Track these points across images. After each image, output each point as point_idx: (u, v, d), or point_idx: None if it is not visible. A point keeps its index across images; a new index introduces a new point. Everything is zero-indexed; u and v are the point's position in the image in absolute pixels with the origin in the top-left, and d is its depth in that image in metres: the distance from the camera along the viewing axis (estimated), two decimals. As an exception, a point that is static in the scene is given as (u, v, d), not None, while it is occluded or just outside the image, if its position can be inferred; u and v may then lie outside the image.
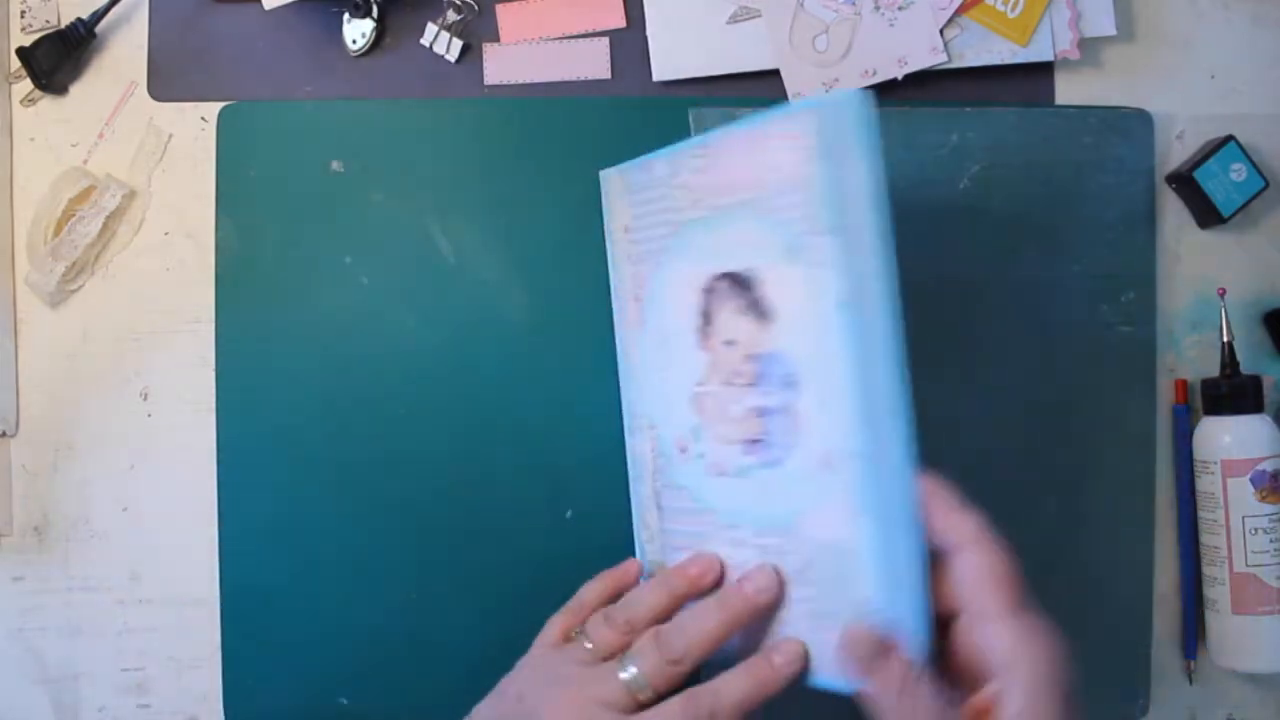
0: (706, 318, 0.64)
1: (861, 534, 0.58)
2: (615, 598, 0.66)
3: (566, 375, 0.74)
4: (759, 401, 0.62)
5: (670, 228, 0.66)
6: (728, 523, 0.64)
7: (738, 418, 0.63)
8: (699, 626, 0.61)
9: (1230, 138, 0.77)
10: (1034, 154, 0.78)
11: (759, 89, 0.76)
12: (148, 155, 0.74)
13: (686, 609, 0.63)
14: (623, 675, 0.60)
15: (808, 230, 0.58)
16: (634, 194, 0.69)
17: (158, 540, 0.73)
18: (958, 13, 0.75)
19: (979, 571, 0.57)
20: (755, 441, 0.62)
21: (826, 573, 0.59)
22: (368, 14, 0.74)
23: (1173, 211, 0.80)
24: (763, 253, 0.61)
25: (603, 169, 0.72)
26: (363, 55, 0.75)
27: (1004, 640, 0.55)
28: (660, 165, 0.67)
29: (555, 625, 0.66)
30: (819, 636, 0.59)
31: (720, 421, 0.64)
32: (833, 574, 0.59)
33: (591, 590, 0.68)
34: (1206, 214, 0.78)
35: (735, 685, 0.59)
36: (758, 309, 0.62)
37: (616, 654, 0.62)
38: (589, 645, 0.63)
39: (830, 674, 0.59)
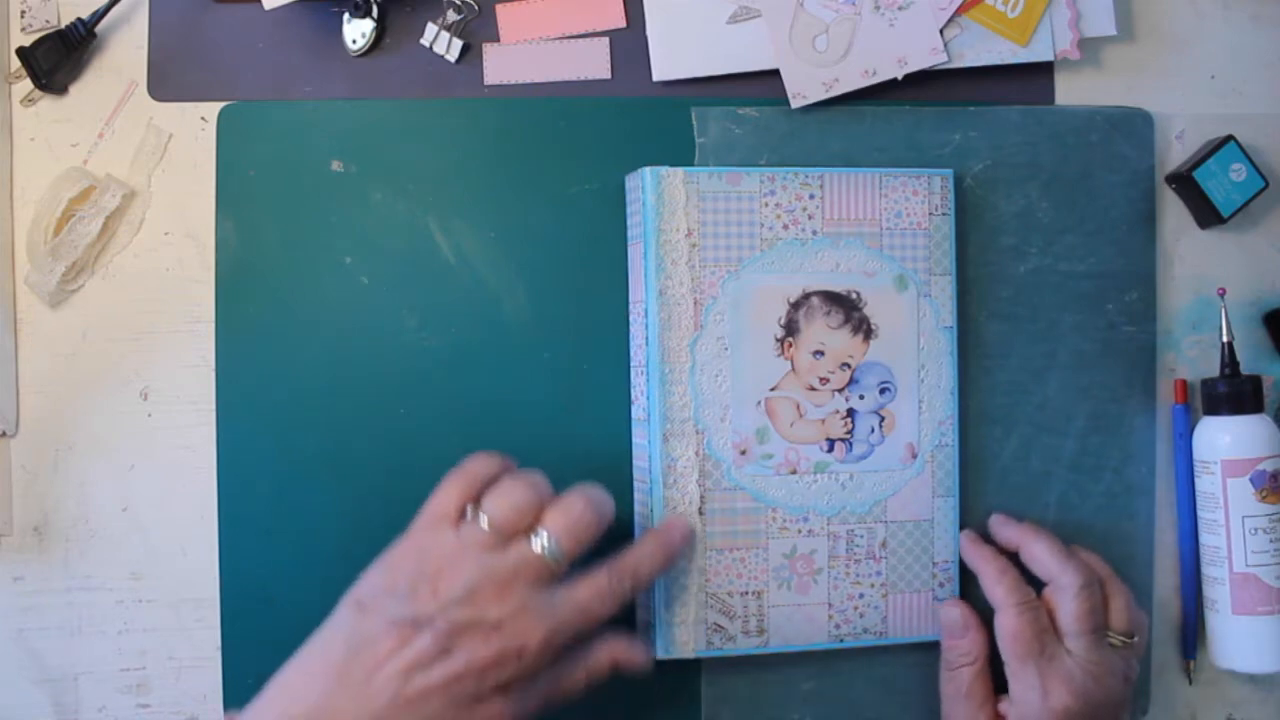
0: (791, 328, 0.72)
1: (939, 511, 0.74)
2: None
3: (567, 375, 0.74)
4: (850, 405, 0.73)
5: (755, 240, 0.72)
6: (797, 516, 0.72)
7: (823, 419, 0.73)
8: (593, 494, 0.66)
9: (1230, 138, 0.77)
10: (1035, 154, 0.78)
11: (759, 89, 0.76)
12: (148, 155, 0.74)
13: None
14: (539, 549, 0.63)
15: (926, 269, 0.74)
16: (706, 201, 0.71)
17: (158, 540, 0.73)
18: (958, 13, 0.75)
19: (1001, 630, 0.72)
20: (840, 440, 0.73)
21: (903, 545, 0.74)
22: (368, 14, 0.74)
23: (1173, 211, 0.80)
24: (870, 279, 0.73)
25: (635, 169, 0.72)
26: (363, 55, 0.75)
27: (1014, 686, 0.71)
28: (750, 179, 0.71)
29: (451, 496, 0.66)
30: (894, 599, 0.74)
31: (797, 423, 0.72)
32: (909, 545, 0.74)
33: (482, 463, 0.67)
34: (1206, 214, 0.78)
35: (648, 554, 0.68)
36: (858, 325, 0.73)
37: (515, 534, 0.64)
38: (487, 526, 0.64)
39: (902, 631, 0.74)
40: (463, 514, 0.65)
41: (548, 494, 0.66)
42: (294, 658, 0.63)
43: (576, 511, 0.65)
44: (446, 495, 0.66)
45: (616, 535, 0.74)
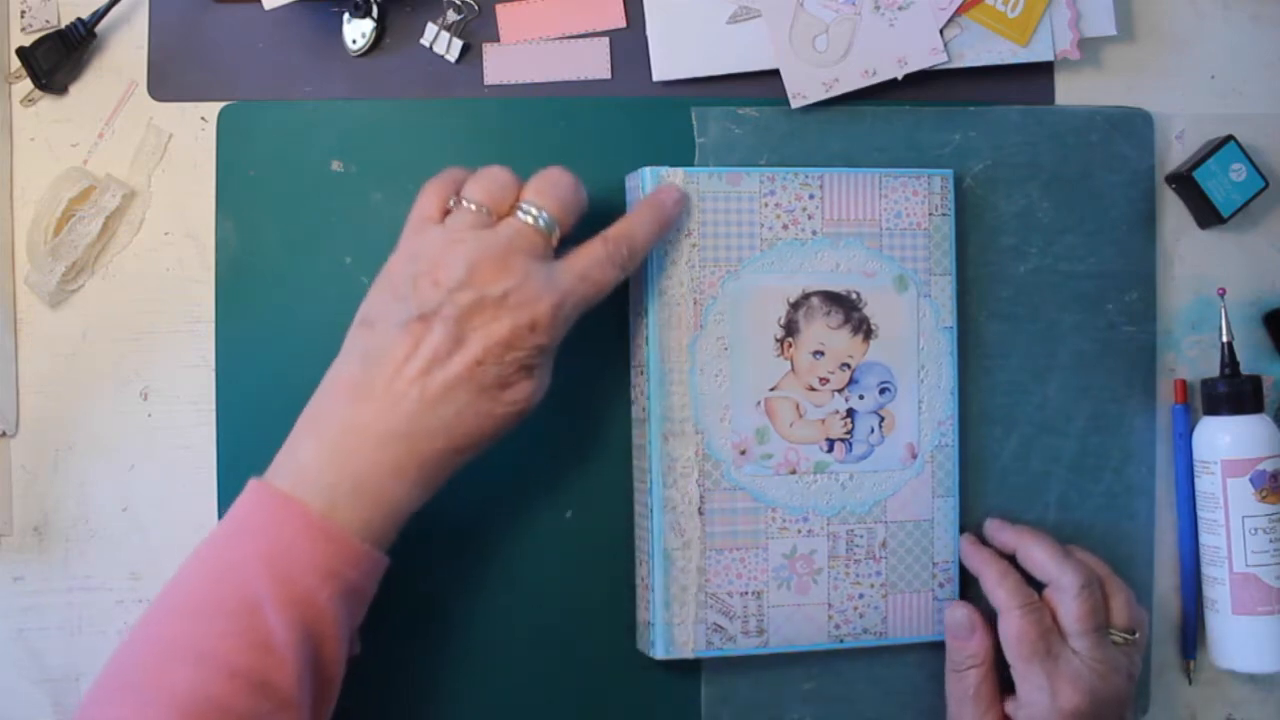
0: (790, 328, 0.72)
1: (939, 511, 0.74)
2: None
3: (567, 374, 0.74)
4: (850, 405, 0.73)
5: (755, 240, 0.72)
6: (796, 516, 0.72)
7: (823, 419, 0.73)
8: (563, 170, 0.66)
9: (1230, 138, 0.77)
10: (1035, 154, 0.78)
11: (759, 89, 0.76)
12: (148, 155, 0.74)
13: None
14: (529, 220, 0.63)
15: (926, 269, 0.73)
16: (706, 201, 0.71)
17: (158, 540, 0.73)
18: (958, 13, 0.75)
19: (1005, 633, 0.71)
20: (839, 440, 0.73)
21: (903, 545, 0.74)
22: (368, 14, 0.74)
23: (1173, 211, 0.80)
24: (870, 279, 0.73)
25: (635, 169, 0.72)
26: (363, 55, 0.75)
27: (1021, 687, 0.70)
28: (750, 179, 0.71)
29: (431, 198, 0.65)
30: (894, 599, 0.73)
31: (797, 424, 0.72)
32: (909, 546, 0.74)
33: (453, 168, 0.67)
34: (1206, 214, 0.78)
35: (642, 219, 0.67)
36: (858, 325, 0.73)
37: (503, 214, 0.64)
38: (473, 208, 0.63)
39: (902, 632, 0.74)
40: (446, 210, 0.64)
41: (521, 178, 0.65)
42: (316, 391, 0.63)
43: (559, 180, 0.65)
44: (426, 198, 0.65)
45: (616, 533, 0.74)
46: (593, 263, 0.64)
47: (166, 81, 0.74)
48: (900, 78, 0.75)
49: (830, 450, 0.73)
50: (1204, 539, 0.77)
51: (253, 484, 0.61)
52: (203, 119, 0.74)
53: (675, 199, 0.70)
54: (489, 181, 0.65)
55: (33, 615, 0.73)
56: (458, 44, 0.74)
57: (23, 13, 0.74)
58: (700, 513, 0.71)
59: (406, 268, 0.63)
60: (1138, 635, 0.72)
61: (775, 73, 0.75)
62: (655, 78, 0.75)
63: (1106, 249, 0.78)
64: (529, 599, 0.74)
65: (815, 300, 0.72)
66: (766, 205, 0.72)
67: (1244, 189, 0.77)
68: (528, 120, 0.75)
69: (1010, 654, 0.71)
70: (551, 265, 0.63)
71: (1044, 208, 0.78)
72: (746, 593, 0.72)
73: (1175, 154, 0.80)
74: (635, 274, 0.73)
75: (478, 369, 0.61)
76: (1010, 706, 0.72)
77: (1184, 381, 0.79)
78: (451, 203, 0.65)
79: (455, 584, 0.74)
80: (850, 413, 0.73)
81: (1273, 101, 0.81)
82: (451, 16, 0.75)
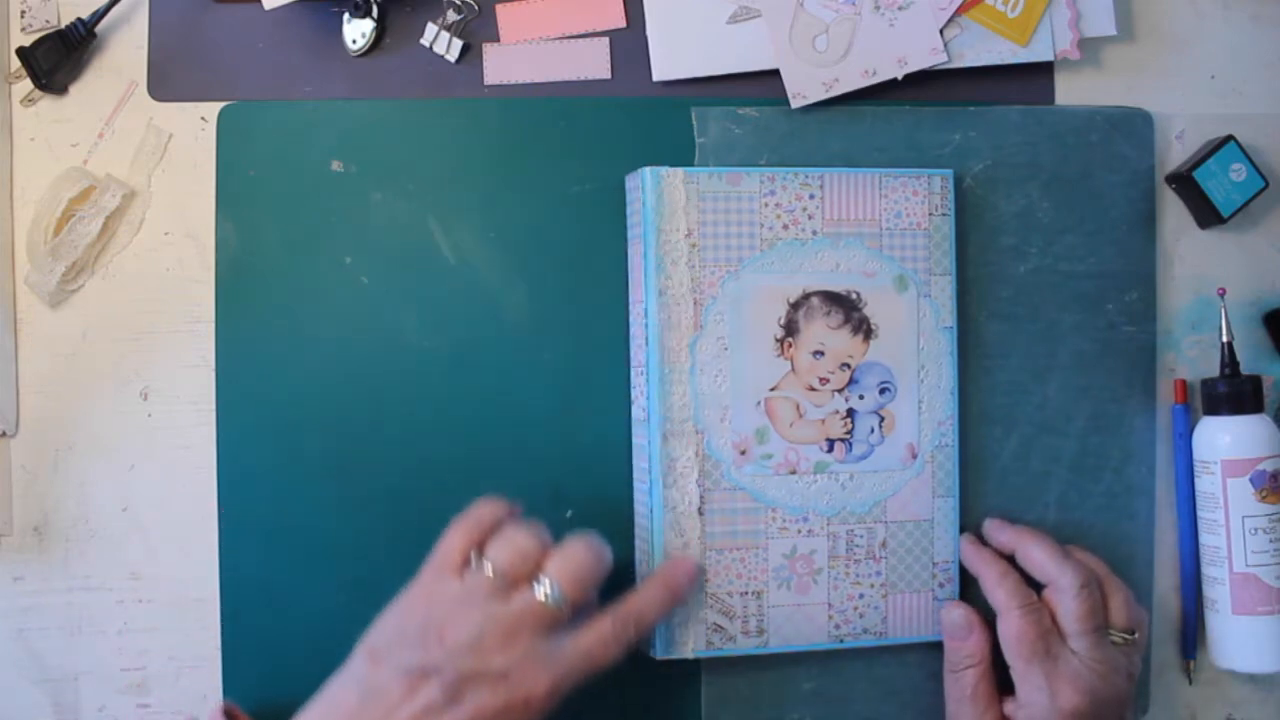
0: (790, 328, 0.72)
1: (939, 511, 0.74)
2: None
3: (567, 375, 0.74)
4: (850, 405, 0.73)
5: (755, 240, 0.72)
6: (796, 516, 0.72)
7: (823, 419, 0.73)
8: (593, 540, 0.66)
9: (1230, 138, 0.77)
10: (1035, 154, 0.78)
11: (759, 89, 0.76)
12: (148, 155, 0.74)
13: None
14: (543, 597, 0.64)
15: (926, 269, 0.74)
16: (706, 201, 0.71)
17: (158, 540, 0.73)
18: (958, 13, 0.75)
19: (1005, 634, 0.71)
20: (840, 440, 0.73)
21: (903, 545, 0.74)
22: (368, 14, 0.74)
23: (1173, 211, 0.80)
24: (870, 279, 0.73)
25: (635, 169, 0.72)
26: (363, 55, 0.75)
27: (1020, 687, 0.71)
28: (750, 179, 0.71)
29: (456, 543, 0.66)
30: (894, 599, 0.74)
31: (797, 424, 0.72)
32: (909, 546, 0.74)
33: (487, 509, 0.68)
34: (1206, 214, 0.78)
35: (653, 597, 0.68)
36: (858, 325, 0.73)
37: (518, 582, 0.65)
38: (491, 574, 0.65)
39: (902, 632, 0.74)
40: (467, 561, 0.66)
41: (549, 541, 0.66)
42: (311, 703, 0.64)
43: (578, 558, 0.66)
44: (451, 543, 0.67)
45: (616, 533, 0.74)
46: (598, 642, 0.65)
47: (166, 81, 0.74)
48: (900, 78, 0.75)
49: (830, 450, 0.73)
50: (1204, 539, 0.77)
51: None
52: (203, 119, 0.74)
53: (688, 576, 0.70)
54: (512, 548, 0.65)
55: (33, 615, 0.73)
56: (458, 44, 0.75)
57: (23, 13, 0.74)
58: (700, 513, 0.71)
59: (418, 614, 0.64)
60: (1137, 635, 0.72)
61: (775, 73, 0.75)
62: (655, 78, 0.75)
63: (1106, 249, 0.78)
64: (529, 599, 0.74)
65: (815, 300, 0.72)
66: (766, 205, 0.72)
67: (1244, 189, 0.77)
68: (528, 120, 0.75)
69: (1010, 654, 0.71)
70: (558, 641, 0.64)
71: (1044, 208, 0.78)
72: (746, 593, 0.72)
73: (1175, 154, 0.80)
74: (634, 273, 0.73)
75: None
76: (1010, 707, 0.72)
77: (1184, 381, 0.79)
78: (473, 558, 0.66)
79: (455, 584, 0.74)
80: (850, 413, 0.73)
81: (1273, 101, 0.81)
82: (451, 16, 0.75)
